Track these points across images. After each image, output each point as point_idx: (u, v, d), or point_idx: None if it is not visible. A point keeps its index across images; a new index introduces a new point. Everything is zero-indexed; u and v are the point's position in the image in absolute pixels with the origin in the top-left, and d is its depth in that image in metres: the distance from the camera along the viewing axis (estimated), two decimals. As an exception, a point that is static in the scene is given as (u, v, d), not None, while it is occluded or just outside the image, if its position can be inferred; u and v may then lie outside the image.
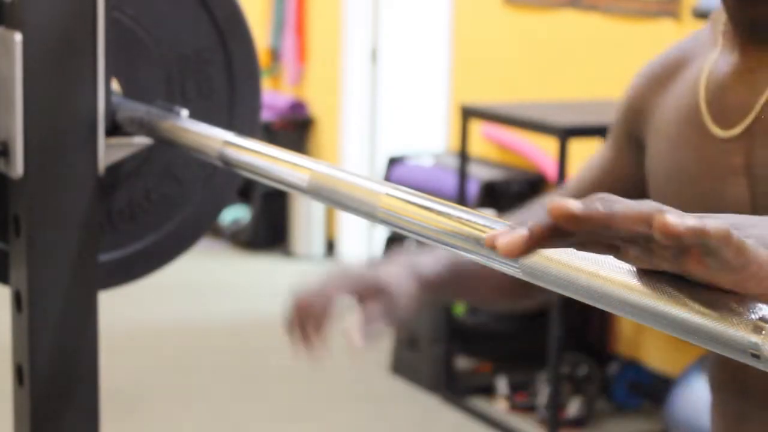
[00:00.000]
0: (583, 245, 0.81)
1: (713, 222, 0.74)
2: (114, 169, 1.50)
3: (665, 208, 0.77)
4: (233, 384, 4.71)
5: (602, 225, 0.77)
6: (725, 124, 1.28)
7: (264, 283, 6.17)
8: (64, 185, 1.44)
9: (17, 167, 1.42)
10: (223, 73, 1.56)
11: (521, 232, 0.79)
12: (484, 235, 0.90)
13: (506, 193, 4.98)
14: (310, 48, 6.84)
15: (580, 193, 1.46)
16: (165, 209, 1.59)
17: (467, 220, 0.93)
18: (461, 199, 4.45)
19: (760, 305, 0.74)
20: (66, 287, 1.46)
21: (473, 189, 4.85)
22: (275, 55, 6.95)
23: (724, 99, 1.29)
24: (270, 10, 6.93)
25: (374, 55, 6.60)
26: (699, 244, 0.74)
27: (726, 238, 0.74)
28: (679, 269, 0.78)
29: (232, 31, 1.57)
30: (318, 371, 4.88)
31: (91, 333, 1.48)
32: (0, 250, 1.49)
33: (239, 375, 4.83)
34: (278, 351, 5.13)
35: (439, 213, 0.96)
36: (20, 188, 1.43)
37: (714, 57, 1.32)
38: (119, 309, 4.65)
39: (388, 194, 1.04)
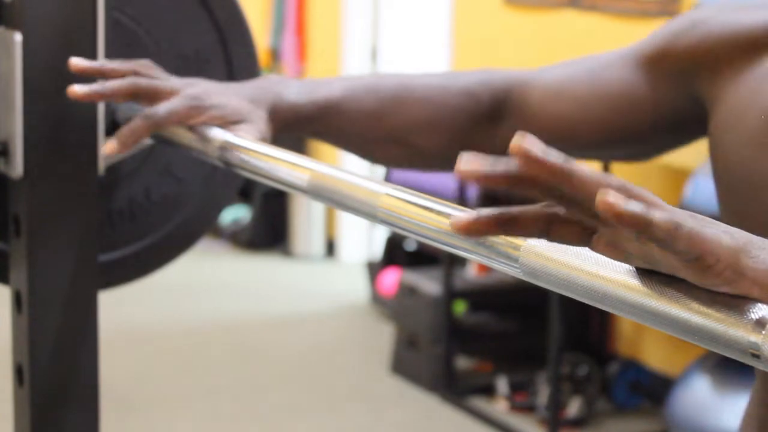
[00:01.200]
0: (549, 227, 0.79)
1: (662, 213, 0.72)
2: (114, 169, 1.50)
3: (622, 184, 0.73)
4: (233, 384, 4.71)
5: (559, 178, 0.75)
6: None
7: (264, 283, 6.17)
8: (64, 185, 1.44)
9: (17, 167, 1.42)
10: (223, 73, 1.56)
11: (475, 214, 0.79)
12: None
13: (506, 194, 4.98)
14: (310, 48, 6.84)
15: (564, 93, 1.34)
16: (165, 209, 1.59)
17: (467, 220, 0.93)
18: (461, 199, 4.45)
19: (760, 305, 0.74)
20: (66, 287, 1.46)
21: (473, 189, 4.85)
22: (275, 55, 6.95)
23: None
24: (270, 10, 6.93)
25: (374, 55, 6.60)
26: (645, 233, 0.72)
27: (672, 231, 0.72)
28: (645, 259, 0.77)
29: (233, 31, 1.57)
30: (318, 371, 4.88)
31: (91, 333, 1.48)
32: (0, 250, 1.49)
33: (239, 375, 4.83)
34: (278, 351, 5.14)
35: (439, 213, 0.96)
36: (20, 188, 1.43)
37: None
38: (119, 309, 4.65)
39: (388, 194, 1.04)
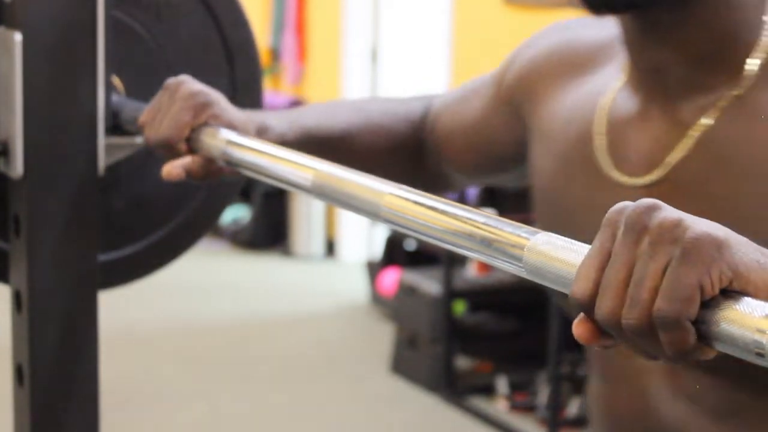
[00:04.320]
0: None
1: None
2: (114, 169, 1.49)
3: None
4: (233, 384, 4.71)
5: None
6: (626, 171, 1.13)
7: (264, 283, 6.17)
8: (64, 185, 1.44)
9: (17, 167, 1.42)
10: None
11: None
12: (487, 234, 0.90)
13: (506, 193, 4.98)
14: (310, 48, 6.84)
15: (445, 125, 1.39)
16: (165, 209, 1.59)
17: (470, 219, 0.93)
18: (462, 198, 4.45)
19: (765, 304, 0.74)
20: (66, 287, 1.46)
21: (473, 189, 4.85)
22: (275, 54, 6.95)
23: (625, 143, 1.13)
24: (270, 10, 6.94)
25: (374, 55, 6.60)
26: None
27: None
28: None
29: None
30: (318, 371, 4.88)
31: (91, 333, 1.48)
32: (0, 250, 1.49)
33: (239, 375, 4.83)
34: (278, 351, 5.14)
35: (442, 212, 0.96)
36: (20, 188, 1.43)
37: (615, 87, 1.17)
38: (119, 309, 4.66)
39: (391, 193, 1.04)
